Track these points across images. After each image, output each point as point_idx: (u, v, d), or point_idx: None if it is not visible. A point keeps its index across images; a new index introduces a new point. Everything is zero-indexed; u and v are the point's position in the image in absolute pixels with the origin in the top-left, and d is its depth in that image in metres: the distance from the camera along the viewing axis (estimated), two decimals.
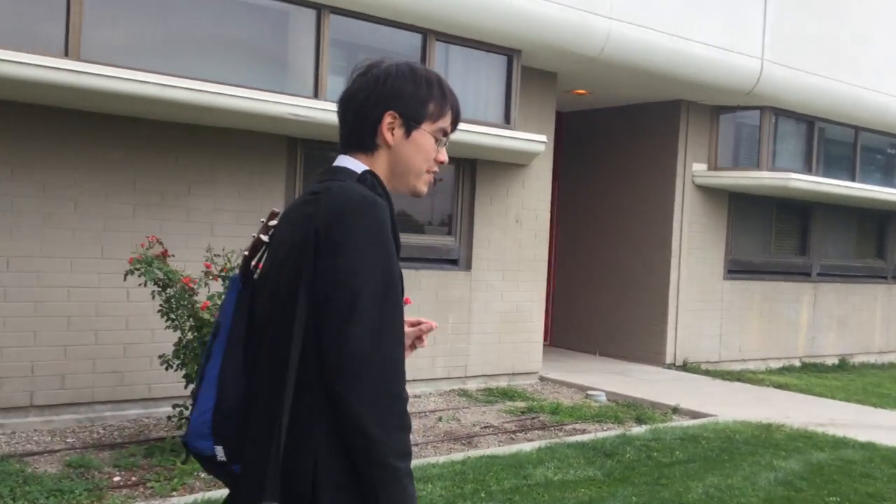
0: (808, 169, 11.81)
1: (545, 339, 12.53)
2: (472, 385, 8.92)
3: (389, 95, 1.88)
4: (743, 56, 10.08)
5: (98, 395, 6.68)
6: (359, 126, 1.90)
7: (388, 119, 1.88)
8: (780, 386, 9.98)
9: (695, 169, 11.16)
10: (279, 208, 2.05)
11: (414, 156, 1.92)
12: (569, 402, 8.34)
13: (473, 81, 8.63)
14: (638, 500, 4.91)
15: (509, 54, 8.58)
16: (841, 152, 12.74)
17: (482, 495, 4.86)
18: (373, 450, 1.67)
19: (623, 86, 10.34)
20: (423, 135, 1.92)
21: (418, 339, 2.12)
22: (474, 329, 8.99)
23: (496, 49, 8.46)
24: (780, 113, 11.34)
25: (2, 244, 6.22)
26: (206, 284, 5.73)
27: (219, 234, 7.18)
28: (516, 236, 9.33)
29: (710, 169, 11.28)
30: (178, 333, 5.70)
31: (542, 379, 9.61)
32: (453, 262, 8.88)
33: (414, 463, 5.10)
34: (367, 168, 1.88)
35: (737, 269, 11.79)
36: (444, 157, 1.97)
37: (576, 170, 12.27)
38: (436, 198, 8.86)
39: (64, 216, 6.48)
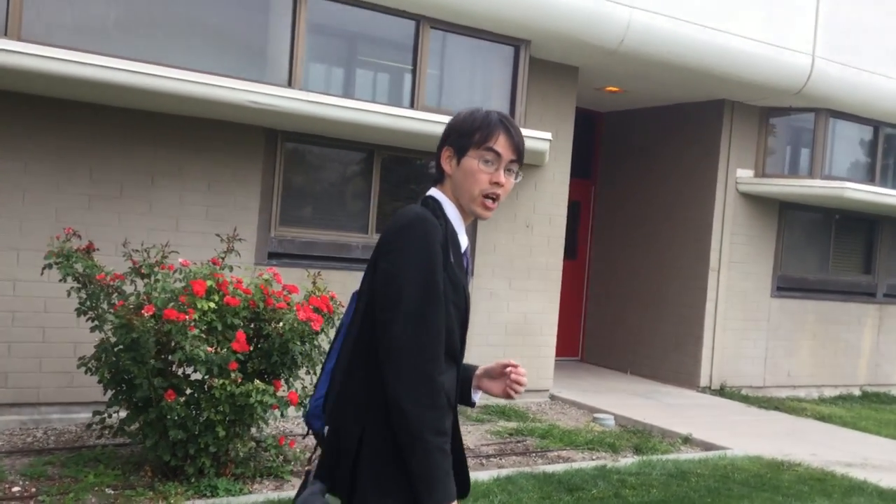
0: (869, 178, 10.70)
1: (577, 355, 11.80)
2: None
3: (446, 134, 2.27)
4: (790, 52, 9.14)
5: (44, 396, 6.33)
6: (435, 162, 2.28)
7: (445, 153, 2.25)
8: (822, 417, 8.96)
9: (739, 175, 10.22)
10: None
11: (464, 181, 2.21)
12: (569, 426, 7.59)
13: (474, 74, 8.02)
14: None
15: (516, 45, 7.91)
16: None
17: None
18: (404, 422, 2.00)
19: (656, 83, 9.52)
20: (469, 160, 2.21)
21: (510, 386, 2.37)
22: (475, 341, 8.33)
23: (500, 39, 7.81)
24: (838, 116, 10.29)
25: None
26: (133, 282, 5.28)
27: (184, 229, 6.77)
28: (526, 242, 8.64)
29: (756, 175, 10.33)
30: (101, 334, 5.26)
31: (552, 398, 8.88)
32: None
33: None
34: (432, 193, 2.25)
35: (787, 286, 10.76)
36: (499, 178, 2.21)
37: (614, 174, 11.47)
38: None
39: (11, 206, 6.16)
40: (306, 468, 2.28)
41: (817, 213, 10.98)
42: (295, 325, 5.12)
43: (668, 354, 10.44)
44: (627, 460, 6.26)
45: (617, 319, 11.21)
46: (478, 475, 5.56)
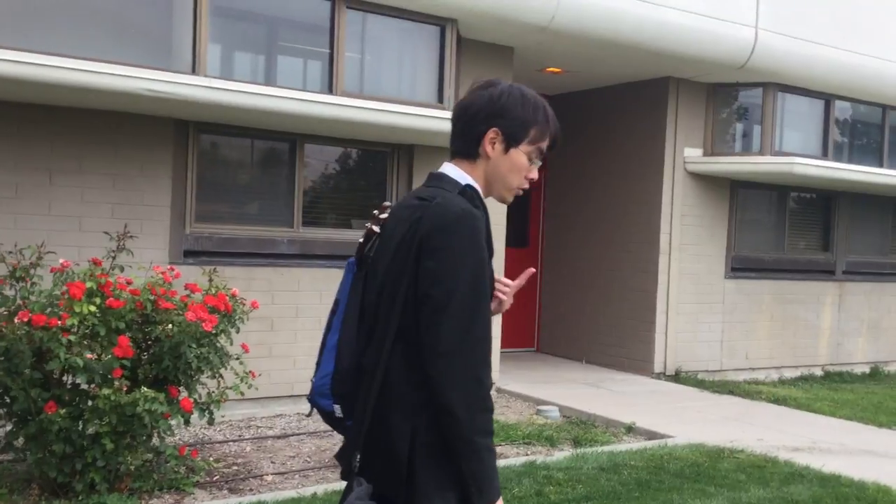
0: (822, 153, 10.44)
1: (533, 346, 11.49)
2: None
3: (497, 114, 2.15)
4: (731, 24, 8.84)
5: None
6: (467, 135, 2.19)
7: (491, 134, 2.16)
8: (777, 400, 8.69)
9: (687, 154, 9.93)
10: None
11: (509, 171, 2.19)
12: (510, 419, 7.27)
13: (401, 57, 7.66)
14: None
15: (441, 24, 7.55)
16: (867, 134, 11.32)
17: None
18: (456, 427, 1.98)
19: (597, 62, 9.20)
20: (519, 154, 2.18)
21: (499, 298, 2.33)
22: None
23: (423, 18, 7.45)
24: (787, 90, 10.01)
25: None
26: (13, 286, 4.90)
27: (89, 228, 6.38)
28: None
29: (706, 154, 10.04)
30: None
31: (498, 391, 8.55)
32: None
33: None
34: (469, 181, 2.17)
35: (742, 266, 10.48)
36: (534, 174, 2.24)
37: (564, 160, 11.13)
38: (364, 190, 7.89)
39: None
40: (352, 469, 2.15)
41: (771, 190, 10.71)
42: (186, 326, 4.76)
43: (623, 341, 10.15)
44: (560, 454, 5.95)
45: (571, 308, 10.91)
46: None
